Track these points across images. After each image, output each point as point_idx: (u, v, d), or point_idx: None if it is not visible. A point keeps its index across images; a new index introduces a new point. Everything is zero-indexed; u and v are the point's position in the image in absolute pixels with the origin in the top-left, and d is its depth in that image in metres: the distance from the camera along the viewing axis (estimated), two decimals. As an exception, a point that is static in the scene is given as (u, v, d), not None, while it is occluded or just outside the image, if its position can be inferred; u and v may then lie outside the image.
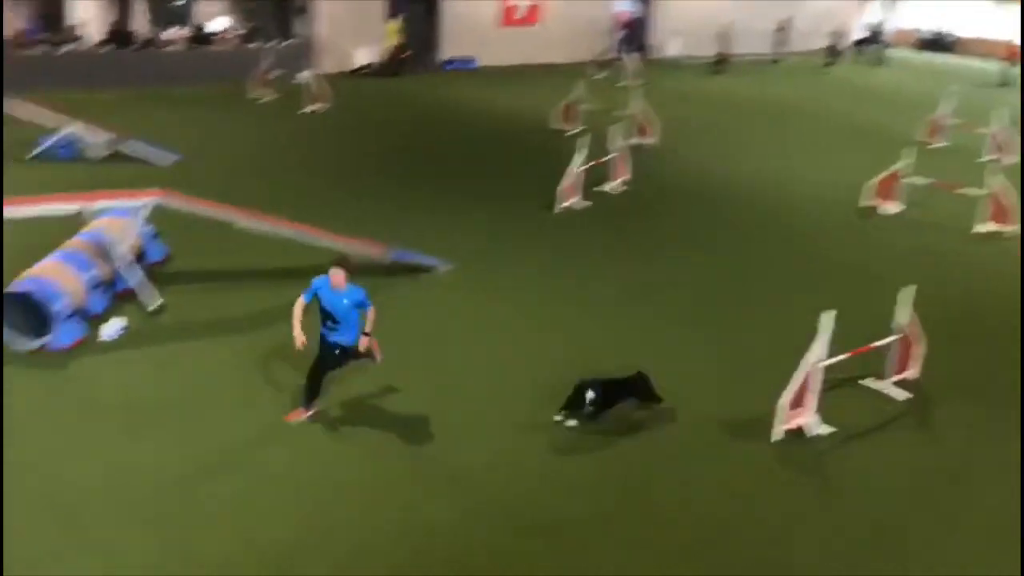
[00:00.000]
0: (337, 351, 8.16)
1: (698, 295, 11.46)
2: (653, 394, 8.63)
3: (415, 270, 11.53)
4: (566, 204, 14.39)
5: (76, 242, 10.34)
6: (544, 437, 8.15)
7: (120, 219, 10.52)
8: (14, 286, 9.30)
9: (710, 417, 8.60)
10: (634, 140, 18.11)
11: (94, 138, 16.17)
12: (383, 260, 11.39)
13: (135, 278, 10.28)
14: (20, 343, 9.23)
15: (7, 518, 6.79)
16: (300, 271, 11.18)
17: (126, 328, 9.74)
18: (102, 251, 10.19)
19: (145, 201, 10.39)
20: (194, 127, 18.86)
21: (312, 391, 8.32)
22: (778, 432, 8.24)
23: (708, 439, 8.30)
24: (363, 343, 8.20)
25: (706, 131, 20.95)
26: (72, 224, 10.59)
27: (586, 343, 10.00)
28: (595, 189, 15.19)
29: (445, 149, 18.31)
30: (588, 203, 14.67)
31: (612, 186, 15.59)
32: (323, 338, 8.18)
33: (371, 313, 8.19)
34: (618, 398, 8.43)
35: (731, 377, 9.41)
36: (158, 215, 10.77)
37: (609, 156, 15.63)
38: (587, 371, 9.13)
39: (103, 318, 9.81)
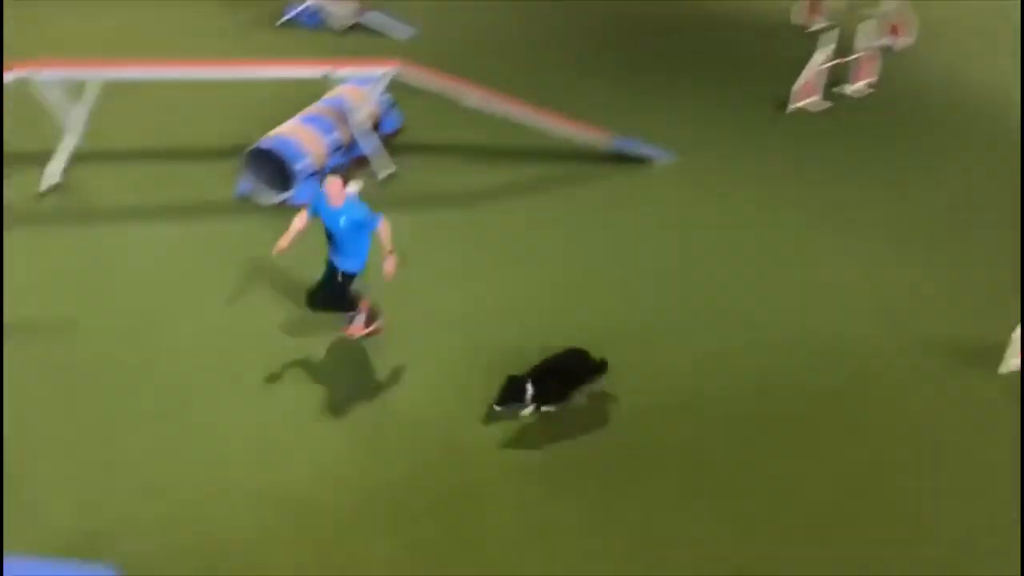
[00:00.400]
0: (340, 277, 7.38)
1: (935, 213, 10.71)
2: (595, 367, 7.40)
3: (635, 159, 11.41)
4: (800, 104, 13.66)
5: (319, 107, 10.91)
6: (758, 358, 8.02)
7: (360, 88, 10.98)
8: (262, 142, 9.99)
9: (933, 341, 8.15)
10: (885, 40, 16.80)
11: (338, 8, 16.78)
12: (605, 147, 11.33)
13: (371, 145, 10.77)
14: (265, 196, 9.98)
15: (243, 347, 7.54)
16: (523, 152, 11.41)
17: (360, 192, 10.27)
18: (342, 117, 10.71)
19: (384, 71, 10.75)
20: (429, 1, 19.16)
21: (338, 310, 7.57)
22: (1009, 364, 7.71)
23: (927, 363, 7.89)
24: (388, 266, 7.28)
25: (973, 36, 19.01)
26: (316, 89, 11.17)
27: (802, 254, 9.59)
28: (834, 90, 14.31)
29: (677, 38, 17.71)
30: (826, 104, 13.87)
31: (854, 88, 14.61)
32: (328, 261, 7.45)
33: (384, 228, 7.19)
34: (567, 390, 7.25)
35: (963, 302, 8.84)
36: (395, 86, 11.14)
37: (855, 55, 14.62)
38: (788, 284, 8.86)
39: (340, 180, 10.40)
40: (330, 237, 7.19)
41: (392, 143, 11.35)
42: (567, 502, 6.35)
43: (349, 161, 10.81)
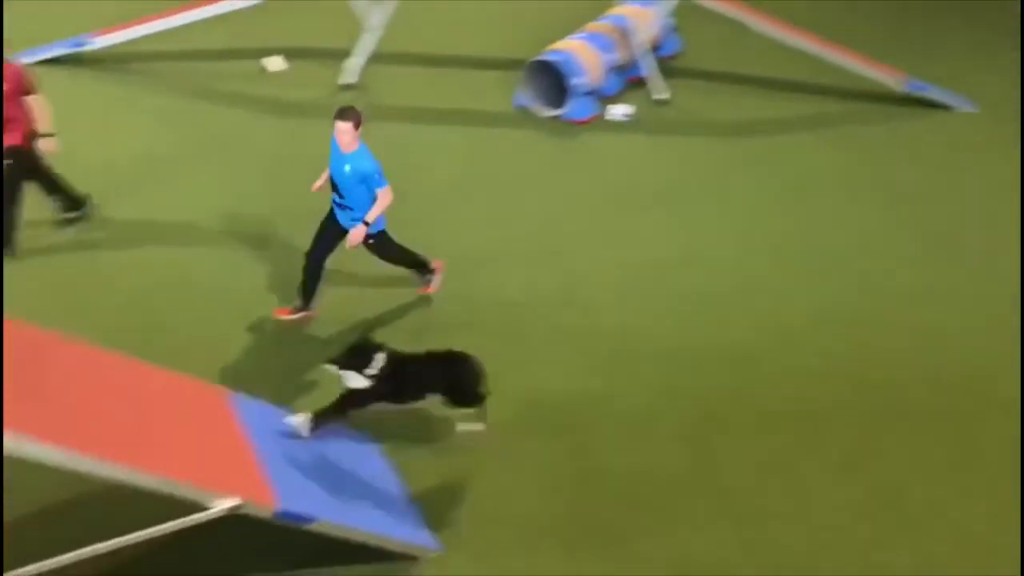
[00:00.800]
0: (342, 231, 6.54)
1: None
2: (468, 391, 5.79)
3: (931, 105, 10.60)
4: None
5: (602, 24, 10.94)
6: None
7: (644, 8, 10.88)
8: (544, 55, 10.18)
9: None
10: None
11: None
12: (896, 89, 10.62)
13: (649, 67, 10.69)
14: (541, 109, 10.22)
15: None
16: (806, 87, 10.91)
17: (632, 113, 10.29)
18: (623, 36, 10.68)
19: (670, -7, 10.60)
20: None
21: (307, 282, 6.69)
22: None
23: None
24: (352, 235, 6.39)
25: None
26: (599, 5, 11.19)
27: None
28: None
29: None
30: None
31: None
32: (331, 210, 6.63)
33: (382, 197, 6.29)
34: (422, 388, 5.75)
35: None
36: (681, 9, 10.94)
37: None
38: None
39: (614, 99, 10.45)
40: (334, 186, 6.49)
41: (669, 67, 11.20)
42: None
43: (624, 81, 10.82)
